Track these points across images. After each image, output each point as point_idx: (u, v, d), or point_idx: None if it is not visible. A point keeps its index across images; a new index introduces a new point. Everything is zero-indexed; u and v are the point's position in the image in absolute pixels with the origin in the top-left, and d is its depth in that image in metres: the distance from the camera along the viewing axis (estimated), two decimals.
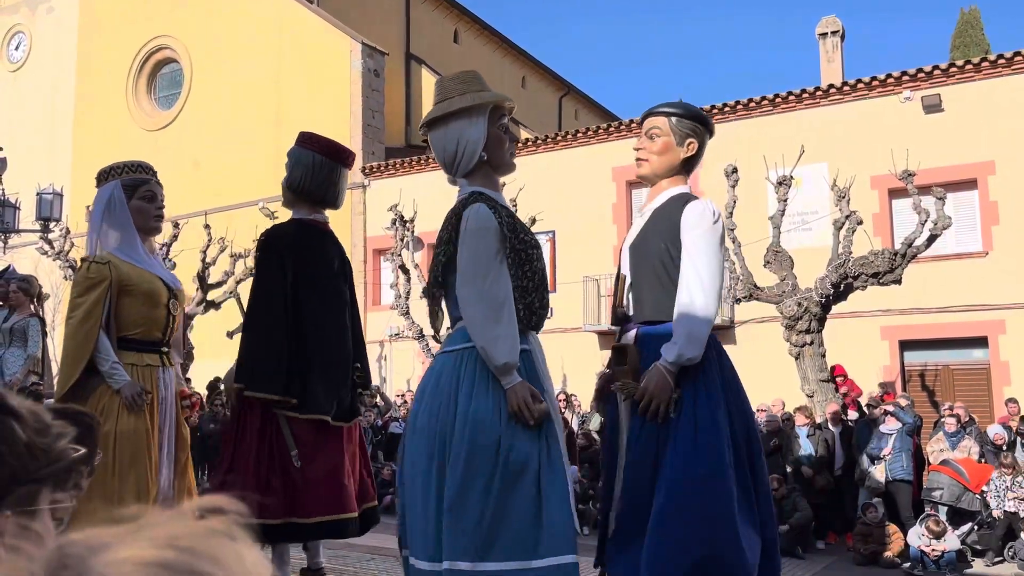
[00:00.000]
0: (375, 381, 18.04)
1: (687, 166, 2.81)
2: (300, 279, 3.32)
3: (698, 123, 2.78)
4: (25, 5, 25.85)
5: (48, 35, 25.13)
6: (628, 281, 2.76)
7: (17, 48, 25.96)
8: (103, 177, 3.46)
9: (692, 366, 2.53)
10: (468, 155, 2.65)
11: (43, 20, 25.40)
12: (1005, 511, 7.92)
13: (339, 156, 3.43)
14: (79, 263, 3.54)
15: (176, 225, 14.94)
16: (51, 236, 14.99)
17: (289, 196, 3.49)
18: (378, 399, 14.30)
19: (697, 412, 2.50)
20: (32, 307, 6.91)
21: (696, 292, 2.56)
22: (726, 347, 2.91)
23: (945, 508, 8.40)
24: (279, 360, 3.26)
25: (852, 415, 10.23)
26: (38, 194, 13.81)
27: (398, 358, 18.31)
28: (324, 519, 3.26)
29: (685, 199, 2.72)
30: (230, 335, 12.32)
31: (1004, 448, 9.26)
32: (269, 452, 3.27)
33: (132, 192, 3.39)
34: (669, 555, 2.39)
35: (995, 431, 9.75)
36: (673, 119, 2.77)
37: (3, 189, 13.95)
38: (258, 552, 0.53)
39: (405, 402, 14.20)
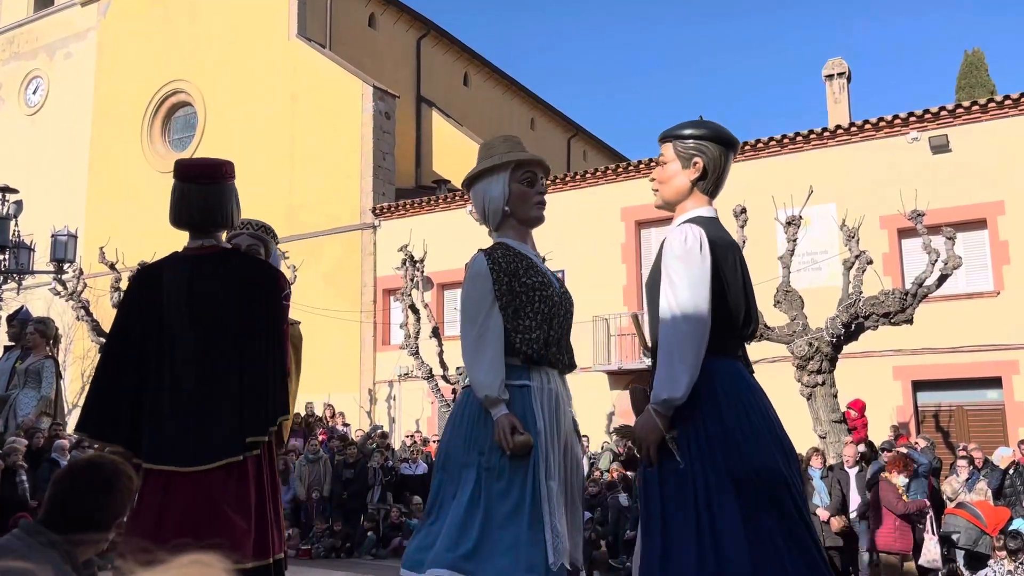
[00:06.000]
0: (383, 421, 17.97)
1: (702, 187, 2.65)
2: (139, 314, 3.02)
3: (702, 140, 2.63)
4: (43, 51, 26.39)
5: (66, 80, 25.61)
6: (646, 318, 2.74)
7: (35, 92, 26.44)
8: None
9: (683, 409, 2.40)
10: (492, 211, 2.88)
11: (61, 65, 25.89)
12: None
13: (186, 175, 3.13)
14: None
15: None
16: (64, 277, 15.11)
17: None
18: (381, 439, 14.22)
19: (664, 465, 2.42)
20: (47, 349, 6.95)
21: (667, 328, 2.44)
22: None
23: (962, 551, 8.26)
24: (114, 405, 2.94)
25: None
26: (53, 236, 13.94)
27: (407, 398, 18.26)
28: None
29: (676, 227, 2.58)
30: None
31: (1012, 471, 9.12)
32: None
33: None
34: None
35: (1001, 454, 9.64)
36: (676, 143, 2.65)
37: (18, 231, 14.11)
38: None
39: (415, 442, 14.13)
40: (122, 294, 3.16)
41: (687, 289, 2.44)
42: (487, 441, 2.61)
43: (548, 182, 3.08)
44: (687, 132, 2.64)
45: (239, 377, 2.92)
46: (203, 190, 3.07)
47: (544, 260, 3.08)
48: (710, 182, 2.64)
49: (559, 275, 3.02)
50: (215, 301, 2.99)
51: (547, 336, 2.74)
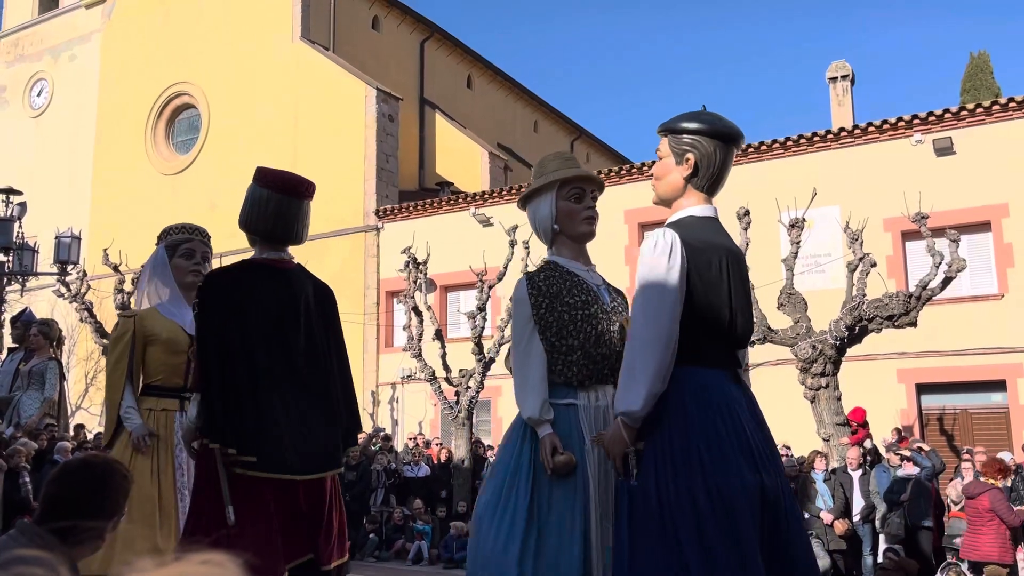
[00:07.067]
0: (386, 424, 17.97)
1: (696, 184, 2.53)
2: (234, 324, 2.98)
3: (697, 135, 2.50)
4: (48, 53, 26.45)
5: (70, 82, 25.66)
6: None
7: (39, 95, 26.50)
8: (158, 240, 3.81)
9: (651, 420, 2.33)
10: (543, 229, 2.94)
11: (65, 68, 25.95)
12: None
13: (286, 189, 3.17)
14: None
15: None
16: (68, 279, 15.12)
17: (248, 236, 3.28)
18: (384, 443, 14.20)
19: (631, 481, 2.36)
20: (50, 351, 6.96)
21: (631, 338, 2.38)
22: None
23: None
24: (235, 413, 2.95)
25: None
26: (56, 237, 13.96)
27: (410, 400, 18.25)
28: None
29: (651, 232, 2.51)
30: None
31: (1015, 476, 9.08)
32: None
33: (173, 252, 3.74)
34: None
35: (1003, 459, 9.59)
36: (671, 137, 2.55)
37: (22, 233, 14.14)
38: None
39: (417, 445, 14.12)
40: (204, 302, 3.00)
41: (650, 298, 2.35)
42: (530, 459, 2.65)
43: None
44: (681, 126, 2.54)
45: (336, 387, 3.12)
46: (303, 206, 3.19)
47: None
48: (703, 179, 2.53)
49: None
50: (311, 313, 3.15)
51: (593, 355, 2.72)
